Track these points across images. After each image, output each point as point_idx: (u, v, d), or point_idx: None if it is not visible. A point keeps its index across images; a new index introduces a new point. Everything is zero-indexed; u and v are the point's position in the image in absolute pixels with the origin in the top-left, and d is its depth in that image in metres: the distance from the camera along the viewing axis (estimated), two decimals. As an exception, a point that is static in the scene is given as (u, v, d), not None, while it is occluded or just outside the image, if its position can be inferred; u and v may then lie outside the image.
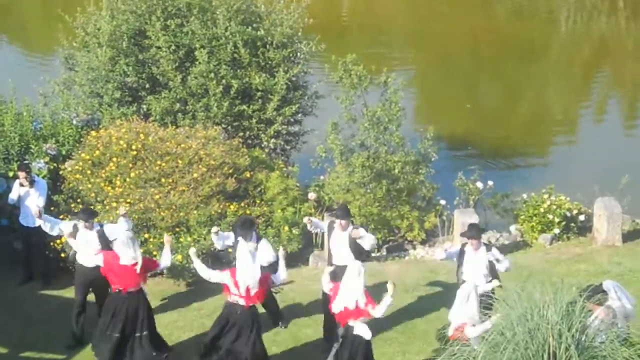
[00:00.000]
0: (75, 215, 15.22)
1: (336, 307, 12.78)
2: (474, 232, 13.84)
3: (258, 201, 17.62)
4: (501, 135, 24.79)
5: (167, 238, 14.24)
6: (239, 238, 13.81)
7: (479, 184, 18.98)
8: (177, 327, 15.23)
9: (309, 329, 15.36)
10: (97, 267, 13.98)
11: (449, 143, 23.99)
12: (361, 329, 12.69)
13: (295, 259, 17.28)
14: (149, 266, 13.97)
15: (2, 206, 17.18)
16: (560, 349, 10.54)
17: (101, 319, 14.01)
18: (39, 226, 16.56)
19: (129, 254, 13.53)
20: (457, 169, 19.82)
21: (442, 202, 18.79)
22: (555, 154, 24.61)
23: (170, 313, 15.69)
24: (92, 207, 16.53)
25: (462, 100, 27.34)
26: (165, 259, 14.10)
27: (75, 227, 14.52)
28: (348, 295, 12.70)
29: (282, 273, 13.64)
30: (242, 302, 13.16)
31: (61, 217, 17.01)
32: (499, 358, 10.69)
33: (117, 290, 13.77)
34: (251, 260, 13.21)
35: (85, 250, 14.37)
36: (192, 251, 13.98)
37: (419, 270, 17.29)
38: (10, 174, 17.36)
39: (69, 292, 15.47)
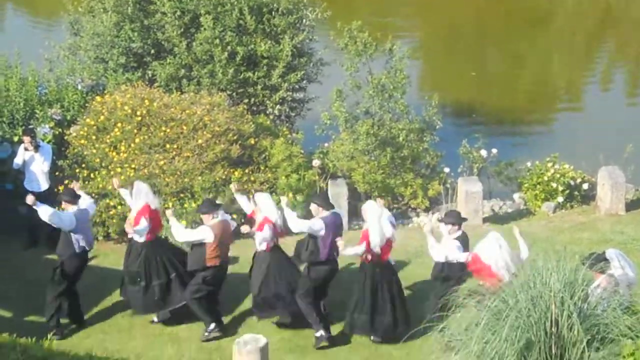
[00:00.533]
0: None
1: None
2: (452, 218, 13.80)
3: (262, 168, 17.66)
4: (506, 104, 24.75)
5: (169, 212, 14.50)
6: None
7: (483, 152, 18.97)
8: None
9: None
10: None
11: (454, 111, 23.98)
12: None
13: (299, 226, 17.30)
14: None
15: (6, 171, 17.23)
16: (562, 316, 10.58)
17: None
18: (44, 191, 16.67)
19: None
20: (461, 137, 19.80)
21: (446, 169, 18.79)
22: (559, 122, 24.58)
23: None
24: (95, 173, 16.64)
25: (466, 68, 27.28)
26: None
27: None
28: None
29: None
30: None
31: (66, 182, 17.08)
32: (501, 325, 10.74)
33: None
34: None
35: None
36: (168, 212, 14.39)
37: (423, 237, 17.27)
38: (15, 138, 17.40)
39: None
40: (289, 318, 14.43)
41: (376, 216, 13.62)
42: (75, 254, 14.25)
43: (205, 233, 13.89)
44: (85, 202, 14.66)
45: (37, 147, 16.55)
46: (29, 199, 14.34)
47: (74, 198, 14.38)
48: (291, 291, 14.24)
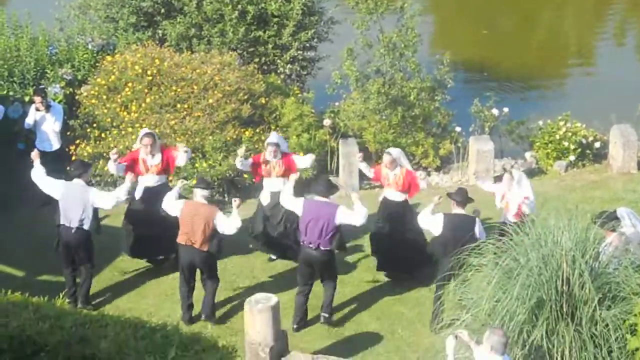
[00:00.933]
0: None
1: None
2: (459, 197, 13.71)
3: (273, 127, 17.62)
4: (517, 62, 24.61)
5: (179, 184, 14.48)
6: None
7: (495, 111, 18.90)
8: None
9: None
10: None
11: (465, 70, 23.86)
12: None
13: (310, 185, 17.29)
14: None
15: (18, 131, 17.24)
16: (573, 275, 10.60)
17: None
18: (56, 150, 16.69)
19: None
20: (472, 95, 19.71)
21: (458, 129, 18.73)
22: (571, 81, 24.45)
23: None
24: (106, 133, 16.65)
25: (478, 26, 27.10)
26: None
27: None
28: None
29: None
30: None
31: (77, 141, 17.09)
32: (512, 284, 10.76)
33: None
34: None
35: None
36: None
37: (433, 196, 17.30)
38: (26, 98, 17.39)
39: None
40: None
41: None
42: (57, 225, 14.02)
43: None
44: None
45: (48, 107, 16.54)
46: (34, 154, 14.29)
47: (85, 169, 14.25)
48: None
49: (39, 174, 14.23)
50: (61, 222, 13.93)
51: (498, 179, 17.73)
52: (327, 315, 13.89)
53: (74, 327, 10.08)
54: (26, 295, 10.95)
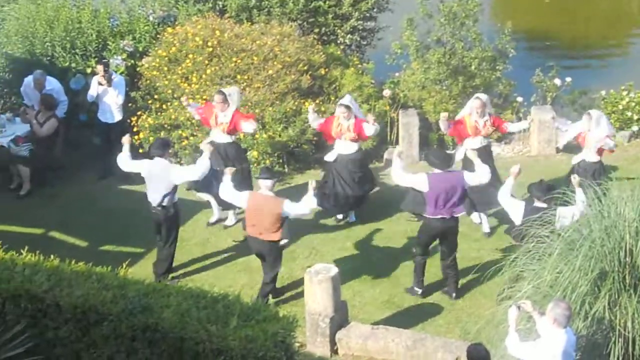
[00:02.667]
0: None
1: None
2: (540, 193, 13.18)
3: (332, 98, 17.60)
4: (580, 31, 24.36)
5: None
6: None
7: (557, 81, 18.72)
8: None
9: (384, 225, 15.51)
10: None
11: (527, 39, 23.63)
12: None
13: (370, 156, 17.29)
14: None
15: (80, 102, 17.41)
16: (637, 246, 10.48)
17: None
18: (118, 122, 16.85)
19: None
20: (534, 65, 19.55)
21: (519, 99, 18.59)
22: (635, 50, 24.14)
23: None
24: (167, 104, 16.75)
25: (540, -6, 26.87)
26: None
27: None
28: None
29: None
30: None
31: (138, 113, 17.22)
32: (574, 255, 10.67)
33: None
34: None
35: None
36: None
37: (496, 167, 17.21)
38: (88, 70, 17.56)
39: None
40: None
41: None
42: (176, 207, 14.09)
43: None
44: None
45: (110, 79, 16.67)
46: (125, 139, 14.25)
47: (165, 148, 14.07)
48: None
49: (124, 159, 14.14)
50: (148, 199, 14.00)
51: (559, 150, 17.69)
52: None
53: (137, 297, 10.17)
54: (90, 265, 11.05)
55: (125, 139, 14.27)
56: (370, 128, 15.14)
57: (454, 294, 13.76)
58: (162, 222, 13.95)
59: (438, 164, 13.44)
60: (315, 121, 15.34)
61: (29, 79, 17.00)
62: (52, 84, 16.93)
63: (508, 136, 18.30)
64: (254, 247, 13.61)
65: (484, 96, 15.21)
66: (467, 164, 14.24)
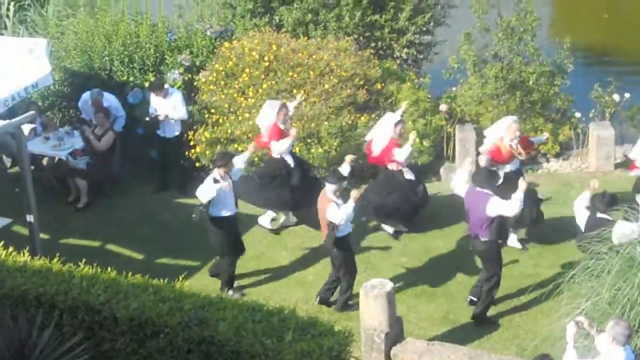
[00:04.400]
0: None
1: None
2: (603, 206, 13.06)
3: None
4: (638, 46, 24.07)
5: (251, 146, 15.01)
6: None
7: (616, 96, 18.51)
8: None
9: (440, 240, 15.42)
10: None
11: (585, 54, 23.42)
12: None
13: (427, 172, 17.22)
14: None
15: (137, 116, 17.52)
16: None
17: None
18: (175, 136, 16.95)
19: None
20: (593, 80, 19.33)
21: (577, 114, 18.40)
22: (695, 65, 23.81)
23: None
24: (224, 118, 16.82)
25: (598, 9, 26.60)
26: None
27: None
28: None
29: None
30: None
31: (195, 127, 17.29)
32: (633, 272, 10.56)
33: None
34: None
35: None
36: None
37: (553, 183, 17.10)
38: (146, 84, 17.67)
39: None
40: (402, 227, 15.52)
41: None
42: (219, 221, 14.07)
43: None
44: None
45: (166, 94, 16.78)
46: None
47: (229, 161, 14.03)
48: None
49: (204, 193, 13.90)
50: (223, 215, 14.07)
51: (618, 166, 17.50)
52: (473, 298, 13.79)
53: (193, 310, 10.21)
54: (146, 277, 11.11)
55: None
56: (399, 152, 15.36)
57: (473, 306, 13.69)
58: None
59: (473, 178, 13.43)
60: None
61: (86, 95, 17.18)
62: (110, 101, 17.09)
63: (566, 152, 18.13)
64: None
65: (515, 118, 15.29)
66: (506, 190, 13.87)
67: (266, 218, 15.97)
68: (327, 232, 13.42)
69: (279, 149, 15.41)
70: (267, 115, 15.49)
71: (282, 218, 16.08)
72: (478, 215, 13.10)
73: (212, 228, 14.01)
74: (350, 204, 13.32)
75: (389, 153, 15.27)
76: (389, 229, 15.67)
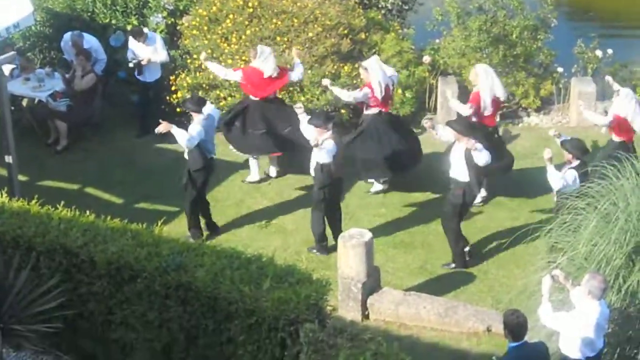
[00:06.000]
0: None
1: None
2: (576, 150, 13.22)
3: (372, 62, 17.50)
4: (623, 2, 24.02)
5: (295, 51, 15.44)
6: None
7: (598, 52, 18.50)
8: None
9: (419, 192, 15.49)
10: None
11: (569, 9, 23.38)
12: None
13: (409, 123, 17.21)
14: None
15: (119, 59, 17.43)
16: (674, 221, 10.42)
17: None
18: (156, 80, 16.87)
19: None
20: (576, 36, 19.29)
21: (560, 69, 18.39)
22: (679, 23, 23.80)
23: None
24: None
25: (584, -36, 26.55)
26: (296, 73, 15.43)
27: None
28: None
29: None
30: None
31: (177, 72, 17.21)
32: (610, 228, 10.61)
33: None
34: None
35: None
36: (202, 56, 15.50)
37: (533, 138, 17.14)
38: (129, 27, 17.54)
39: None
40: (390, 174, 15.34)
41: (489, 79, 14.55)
42: (204, 165, 14.03)
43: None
44: (209, 107, 14.38)
45: (146, 38, 16.68)
46: (163, 127, 13.86)
47: (200, 106, 13.97)
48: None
49: (182, 136, 13.82)
50: (210, 157, 14.19)
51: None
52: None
53: (171, 255, 10.22)
54: (125, 221, 11.11)
55: (163, 127, 13.99)
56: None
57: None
58: None
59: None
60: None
61: (67, 36, 17.06)
62: (91, 42, 16.99)
63: (547, 106, 18.15)
64: None
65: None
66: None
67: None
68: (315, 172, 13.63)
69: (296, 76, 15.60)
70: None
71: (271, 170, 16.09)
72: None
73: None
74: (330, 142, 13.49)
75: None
76: (378, 186, 15.65)
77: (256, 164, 15.82)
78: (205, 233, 14.35)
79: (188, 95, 16.38)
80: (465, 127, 13.44)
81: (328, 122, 13.64)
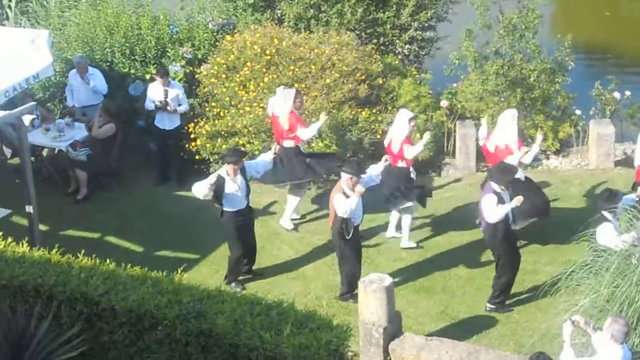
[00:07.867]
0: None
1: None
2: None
3: (390, 108, 17.56)
4: (640, 44, 24.08)
5: (323, 117, 15.36)
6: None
7: (616, 94, 18.51)
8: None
9: (440, 236, 15.45)
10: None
11: (586, 52, 23.43)
12: None
13: (427, 167, 17.23)
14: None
15: (138, 108, 17.53)
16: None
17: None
18: (175, 128, 16.96)
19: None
20: (594, 78, 19.34)
21: (578, 112, 18.41)
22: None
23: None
24: (225, 111, 16.77)
25: (600, 7, 26.60)
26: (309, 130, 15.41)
27: (220, 179, 13.77)
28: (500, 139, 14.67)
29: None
30: None
31: (196, 120, 17.28)
32: (631, 270, 10.55)
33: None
34: None
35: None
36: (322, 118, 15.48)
37: (552, 180, 17.10)
38: (147, 76, 17.67)
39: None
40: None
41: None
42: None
43: None
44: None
45: (168, 85, 16.82)
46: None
47: (240, 159, 13.85)
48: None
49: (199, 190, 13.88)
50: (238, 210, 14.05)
51: (618, 163, 17.49)
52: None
53: (192, 302, 10.22)
54: (145, 269, 11.12)
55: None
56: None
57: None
58: None
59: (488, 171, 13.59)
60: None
61: (73, 71, 17.29)
62: (93, 70, 17.36)
63: (566, 149, 18.14)
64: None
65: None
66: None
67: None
68: (334, 224, 13.49)
69: (307, 134, 15.50)
70: (283, 104, 15.44)
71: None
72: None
73: (223, 221, 14.01)
74: (354, 199, 13.32)
75: (401, 150, 15.03)
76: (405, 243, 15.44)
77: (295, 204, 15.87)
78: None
79: (207, 144, 16.47)
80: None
81: (361, 171, 13.67)
